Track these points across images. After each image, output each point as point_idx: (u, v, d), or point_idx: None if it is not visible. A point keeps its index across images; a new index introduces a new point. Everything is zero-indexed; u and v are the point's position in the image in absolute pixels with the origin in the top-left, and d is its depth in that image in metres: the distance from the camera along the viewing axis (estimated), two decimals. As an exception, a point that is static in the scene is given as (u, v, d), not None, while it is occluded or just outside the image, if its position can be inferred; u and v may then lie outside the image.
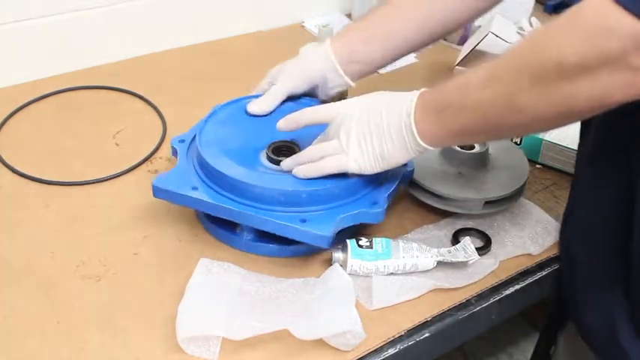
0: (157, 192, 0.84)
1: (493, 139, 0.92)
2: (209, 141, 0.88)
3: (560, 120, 0.66)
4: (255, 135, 0.91)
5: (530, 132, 0.90)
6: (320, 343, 0.74)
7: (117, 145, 1.05)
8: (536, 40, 0.63)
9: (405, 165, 0.84)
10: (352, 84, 0.95)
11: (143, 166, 1.00)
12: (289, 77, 0.94)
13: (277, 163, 0.86)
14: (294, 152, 0.87)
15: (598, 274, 0.81)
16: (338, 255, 0.83)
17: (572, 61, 0.58)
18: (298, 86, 0.95)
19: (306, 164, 0.82)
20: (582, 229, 0.83)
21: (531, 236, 0.90)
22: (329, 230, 0.78)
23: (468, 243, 0.85)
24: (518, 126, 0.69)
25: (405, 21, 0.92)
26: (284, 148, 0.88)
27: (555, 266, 0.89)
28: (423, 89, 0.77)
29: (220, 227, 0.87)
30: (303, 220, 0.79)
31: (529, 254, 0.88)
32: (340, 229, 0.81)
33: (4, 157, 1.00)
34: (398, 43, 0.92)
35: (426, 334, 0.79)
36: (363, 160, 0.79)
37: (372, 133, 0.78)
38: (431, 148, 0.76)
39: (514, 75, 0.64)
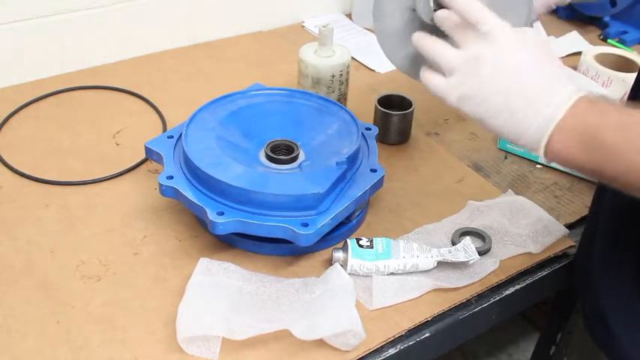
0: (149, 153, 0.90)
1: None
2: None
3: None
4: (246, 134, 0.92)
5: None
6: (320, 343, 0.74)
7: (117, 145, 1.05)
8: None
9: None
10: None
11: (143, 166, 1.00)
12: None
13: (276, 161, 0.87)
14: (292, 150, 0.88)
15: None
16: (338, 255, 0.83)
17: None
18: None
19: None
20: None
21: (532, 235, 0.90)
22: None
23: (468, 243, 0.85)
24: None
25: None
26: (283, 147, 0.89)
27: (555, 266, 0.90)
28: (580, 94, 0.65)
29: None
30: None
31: (529, 253, 0.88)
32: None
33: (4, 157, 1.00)
34: None
35: (426, 334, 0.79)
36: (465, 98, 0.68)
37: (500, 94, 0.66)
38: (543, 159, 0.67)
39: None
